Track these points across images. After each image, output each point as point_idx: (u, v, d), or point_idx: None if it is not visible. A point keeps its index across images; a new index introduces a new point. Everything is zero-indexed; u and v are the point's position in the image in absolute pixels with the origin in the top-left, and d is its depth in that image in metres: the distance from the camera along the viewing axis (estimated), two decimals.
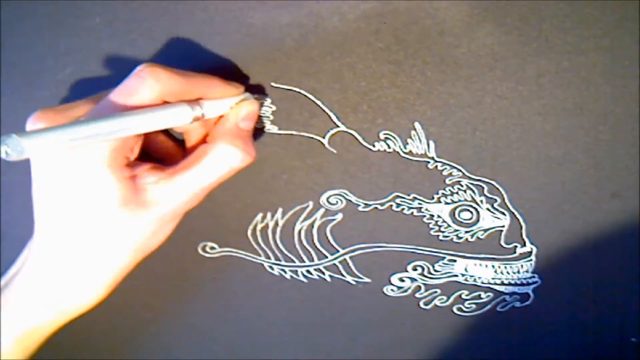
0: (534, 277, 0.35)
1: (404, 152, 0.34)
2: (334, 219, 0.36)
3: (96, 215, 0.29)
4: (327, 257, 0.37)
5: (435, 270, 0.35)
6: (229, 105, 0.31)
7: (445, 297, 0.36)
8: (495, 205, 0.34)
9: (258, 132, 0.34)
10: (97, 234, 0.29)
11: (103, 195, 0.28)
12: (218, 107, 0.31)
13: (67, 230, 0.30)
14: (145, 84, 0.28)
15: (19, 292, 0.31)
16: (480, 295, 0.36)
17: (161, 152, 0.34)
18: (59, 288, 0.30)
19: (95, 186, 0.28)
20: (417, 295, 0.36)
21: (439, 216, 0.35)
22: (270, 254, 0.37)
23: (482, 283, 0.36)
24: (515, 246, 0.35)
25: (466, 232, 0.35)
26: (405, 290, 0.36)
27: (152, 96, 0.28)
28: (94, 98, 0.31)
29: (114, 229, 0.29)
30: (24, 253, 0.33)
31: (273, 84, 0.33)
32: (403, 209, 0.35)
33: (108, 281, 0.30)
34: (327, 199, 0.35)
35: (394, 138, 0.34)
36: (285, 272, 0.37)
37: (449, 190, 0.34)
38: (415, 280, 0.36)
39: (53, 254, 0.30)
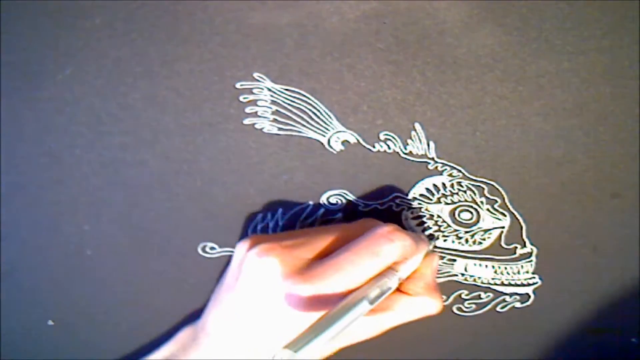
0: (534, 277, 0.35)
1: (404, 153, 0.34)
2: (334, 219, 0.35)
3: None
4: None
5: None
6: (419, 260, 0.32)
7: (444, 297, 0.36)
8: (496, 206, 0.34)
9: (258, 132, 0.34)
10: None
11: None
12: (412, 265, 0.31)
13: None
14: (394, 248, 0.29)
15: None
16: (480, 295, 0.36)
17: None
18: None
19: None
20: None
21: (439, 216, 0.35)
22: None
23: (482, 283, 0.36)
24: (516, 247, 0.35)
25: (466, 232, 0.35)
26: None
27: (393, 260, 0.29)
28: (307, 232, 0.32)
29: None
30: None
31: (273, 84, 0.33)
32: (403, 209, 0.35)
33: None
34: (327, 199, 0.35)
35: (394, 139, 0.34)
36: None
37: (449, 190, 0.34)
38: None
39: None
